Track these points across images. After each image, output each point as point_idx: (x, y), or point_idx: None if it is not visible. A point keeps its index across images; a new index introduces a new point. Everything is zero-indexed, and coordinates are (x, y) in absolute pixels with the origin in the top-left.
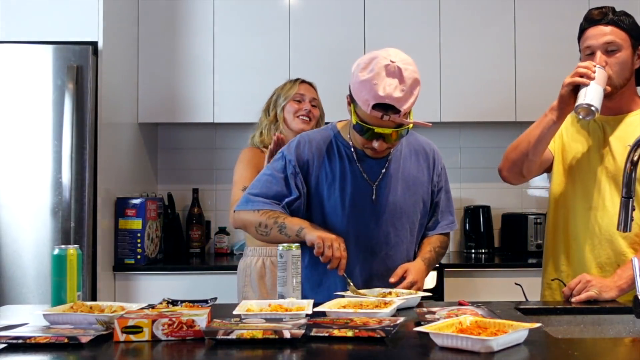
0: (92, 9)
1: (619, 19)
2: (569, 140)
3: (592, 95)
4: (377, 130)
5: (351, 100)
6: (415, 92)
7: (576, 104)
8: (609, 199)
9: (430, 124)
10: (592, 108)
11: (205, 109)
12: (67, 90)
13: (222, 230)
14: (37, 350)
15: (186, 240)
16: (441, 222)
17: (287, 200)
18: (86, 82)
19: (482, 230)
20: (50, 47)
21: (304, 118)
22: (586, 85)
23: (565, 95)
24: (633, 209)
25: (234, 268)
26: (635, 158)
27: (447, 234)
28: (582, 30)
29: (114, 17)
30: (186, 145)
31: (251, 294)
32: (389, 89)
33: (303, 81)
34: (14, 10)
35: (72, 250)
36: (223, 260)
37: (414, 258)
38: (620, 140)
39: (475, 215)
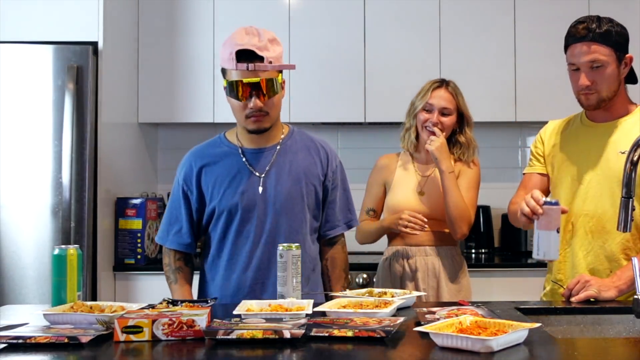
0: (92, 9)
1: (602, 34)
2: (560, 152)
3: (543, 246)
4: (246, 80)
5: (223, 75)
6: (277, 48)
7: (533, 253)
8: (603, 206)
9: (294, 66)
10: (546, 260)
11: (205, 109)
12: (67, 90)
13: None
14: (37, 350)
15: None
16: (340, 220)
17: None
18: (86, 82)
19: (482, 230)
20: (50, 47)
21: (430, 130)
22: (538, 228)
23: (526, 222)
24: (633, 209)
25: None
26: (635, 158)
27: (340, 240)
28: (567, 44)
29: (114, 17)
30: (186, 145)
31: None
32: (247, 38)
33: (439, 85)
34: (14, 10)
35: (72, 250)
36: None
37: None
38: (615, 145)
39: (476, 215)
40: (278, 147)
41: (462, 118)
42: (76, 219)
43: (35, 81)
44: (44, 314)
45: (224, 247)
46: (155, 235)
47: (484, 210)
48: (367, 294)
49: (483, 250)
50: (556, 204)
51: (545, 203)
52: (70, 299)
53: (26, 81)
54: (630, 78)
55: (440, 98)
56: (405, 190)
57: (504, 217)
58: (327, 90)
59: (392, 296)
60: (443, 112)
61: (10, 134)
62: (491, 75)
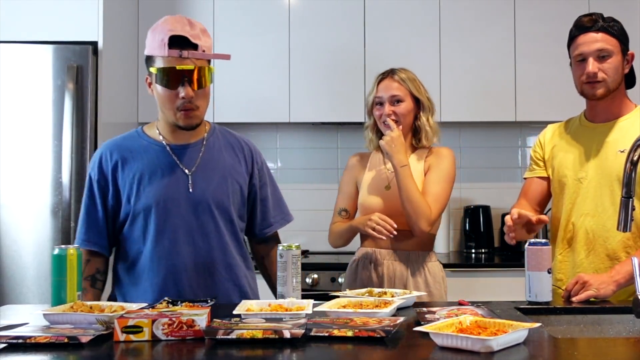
0: (92, 9)
1: (609, 26)
2: (559, 153)
3: (535, 288)
4: (179, 67)
5: (148, 64)
6: (208, 39)
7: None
8: (603, 204)
9: (229, 56)
10: (538, 301)
11: None
12: (67, 90)
13: None
14: (37, 350)
15: None
16: (275, 217)
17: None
18: (86, 82)
19: (482, 230)
20: (50, 47)
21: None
22: (528, 269)
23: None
24: (633, 209)
25: None
26: (635, 158)
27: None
28: (573, 37)
29: (114, 17)
30: None
31: None
32: (179, 25)
33: (384, 76)
34: (14, 10)
35: (72, 250)
36: None
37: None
38: (615, 145)
39: (475, 215)
40: (204, 143)
41: (419, 104)
42: (76, 219)
43: (35, 81)
44: (44, 314)
45: (144, 246)
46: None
47: (484, 210)
48: (367, 294)
49: (483, 250)
50: (545, 244)
51: (534, 244)
52: (70, 299)
53: (26, 81)
54: (629, 81)
55: (387, 88)
56: (373, 188)
57: (504, 217)
58: (327, 90)
59: (392, 296)
60: (394, 101)
61: (10, 134)
62: (491, 75)
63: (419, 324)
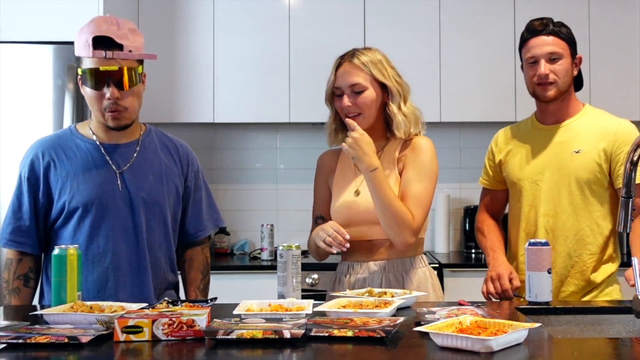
0: (92, 9)
1: (559, 30)
2: (514, 157)
3: (535, 288)
4: (103, 68)
5: (77, 64)
6: (138, 38)
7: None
8: (561, 205)
9: (155, 56)
10: (539, 301)
11: (205, 109)
12: (67, 90)
13: (223, 230)
14: (37, 350)
15: None
16: (208, 220)
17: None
18: None
19: None
20: (50, 47)
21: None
22: (528, 270)
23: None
24: (633, 209)
25: (234, 268)
26: (635, 158)
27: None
28: (525, 40)
29: None
30: None
31: None
32: (105, 25)
33: (341, 60)
34: (14, 10)
35: (72, 250)
36: (223, 260)
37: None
38: (569, 146)
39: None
40: (139, 143)
41: (386, 89)
42: None
43: (35, 81)
44: (44, 314)
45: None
46: None
47: None
48: (367, 294)
49: None
50: (545, 244)
51: (535, 244)
52: (70, 299)
53: (26, 81)
54: (577, 84)
55: (346, 75)
56: (342, 194)
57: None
58: None
59: (392, 296)
60: (354, 91)
61: (11, 134)
62: (491, 75)
63: (419, 324)
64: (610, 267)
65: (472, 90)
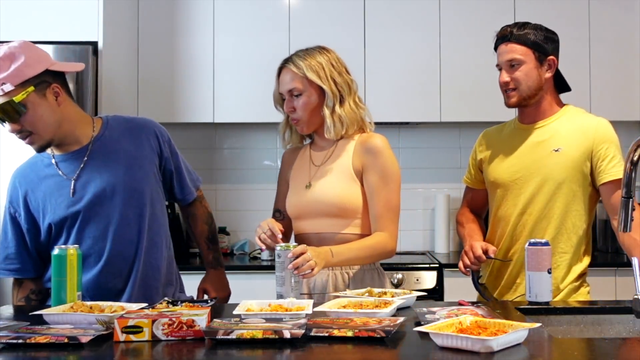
0: (92, 9)
1: (522, 35)
2: (496, 157)
3: (535, 288)
4: None
5: None
6: (11, 64)
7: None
8: (540, 202)
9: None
10: (539, 301)
11: (205, 109)
12: None
13: (222, 230)
14: (37, 350)
15: (186, 241)
16: (191, 182)
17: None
18: (86, 82)
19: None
20: (50, 47)
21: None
22: (528, 270)
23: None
24: (633, 209)
25: (234, 268)
26: (635, 158)
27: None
28: (495, 48)
29: (114, 17)
30: (186, 145)
31: None
32: None
33: (281, 66)
34: (14, 10)
35: (72, 250)
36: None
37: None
38: (548, 145)
39: None
40: (90, 147)
41: (324, 93)
42: None
43: None
44: (44, 314)
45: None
46: None
47: None
48: (367, 294)
49: None
50: (546, 244)
51: (535, 244)
52: (70, 299)
53: None
54: (563, 85)
55: (285, 81)
56: (294, 186)
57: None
58: None
59: (392, 296)
60: (293, 94)
61: (11, 134)
62: (491, 75)
63: (419, 324)
64: (580, 267)
65: (472, 90)
